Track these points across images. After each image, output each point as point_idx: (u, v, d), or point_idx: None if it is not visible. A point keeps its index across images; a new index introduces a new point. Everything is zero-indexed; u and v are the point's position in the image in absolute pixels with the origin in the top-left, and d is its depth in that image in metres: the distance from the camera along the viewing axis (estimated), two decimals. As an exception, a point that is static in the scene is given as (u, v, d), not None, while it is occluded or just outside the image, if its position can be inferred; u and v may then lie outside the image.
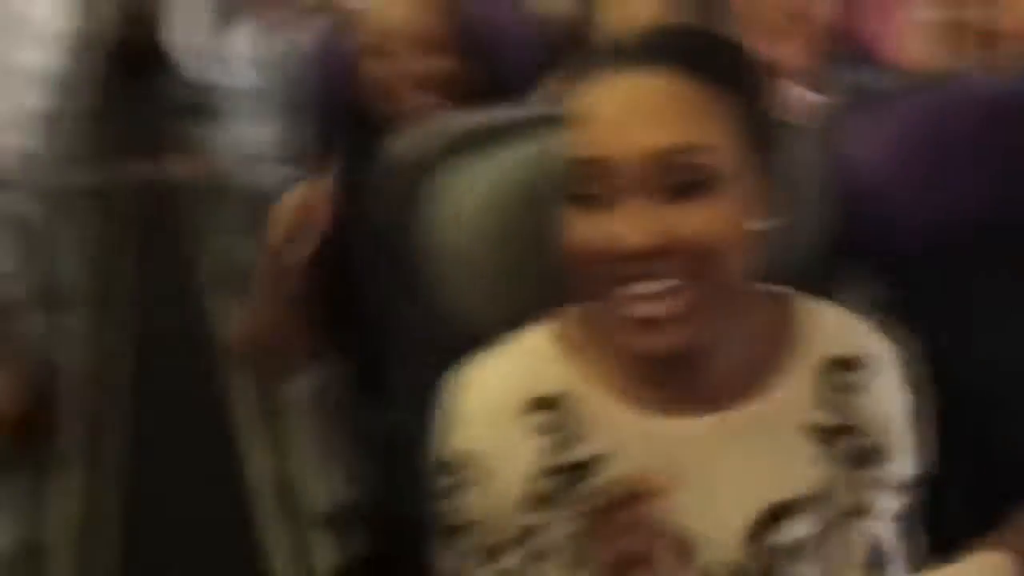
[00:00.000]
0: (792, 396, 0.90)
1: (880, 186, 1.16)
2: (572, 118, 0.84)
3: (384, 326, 1.16)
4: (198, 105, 3.19)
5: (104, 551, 2.16)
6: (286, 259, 1.61)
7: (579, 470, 0.87)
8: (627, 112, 0.81)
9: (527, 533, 0.87)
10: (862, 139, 1.18)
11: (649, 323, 0.81)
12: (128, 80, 5.41)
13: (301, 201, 1.60)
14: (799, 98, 1.43)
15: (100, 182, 4.27)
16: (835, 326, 0.93)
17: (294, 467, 1.75)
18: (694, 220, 0.80)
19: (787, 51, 1.48)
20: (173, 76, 4.06)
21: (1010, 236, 1.13)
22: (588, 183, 0.81)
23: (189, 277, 3.52)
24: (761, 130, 0.85)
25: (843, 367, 0.92)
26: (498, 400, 0.88)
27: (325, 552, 1.54)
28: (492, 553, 0.88)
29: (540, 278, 0.92)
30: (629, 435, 0.87)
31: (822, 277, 1.04)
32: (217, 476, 2.40)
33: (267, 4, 2.50)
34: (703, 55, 0.83)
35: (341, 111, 1.55)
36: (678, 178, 0.79)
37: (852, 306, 1.00)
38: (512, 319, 0.92)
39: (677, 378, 0.87)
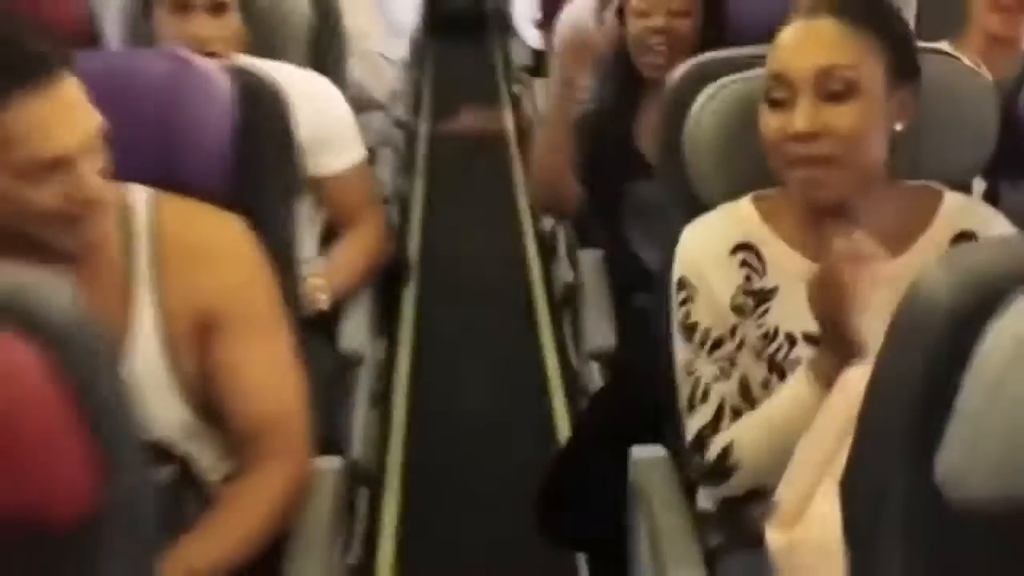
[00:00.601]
0: (927, 257, 1.31)
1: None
2: (772, 49, 1.29)
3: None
4: (531, 66, 3.80)
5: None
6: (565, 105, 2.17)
7: (763, 293, 1.34)
8: (802, 42, 1.25)
9: (733, 331, 1.34)
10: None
11: (811, 182, 1.25)
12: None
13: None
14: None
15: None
16: (966, 210, 1.33)
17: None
18: (842, 115, 1.23)
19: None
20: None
21: None
22: (775, 90, 1.26)
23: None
24: (902, 62, 1.26)
25: (966, 239, 1.31)
26: (716, 241, 1.36)
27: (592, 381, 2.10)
28: (714, 344, 1.35)
29: (758, 165, 1.37)
30: (796, 275, 1.32)
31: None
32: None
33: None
34: (859, 8, 1.26)
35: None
36: (832, 87, 1.23)
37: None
38: (736, 194, 1.39)
39: (832, 235, 1.30)
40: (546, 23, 3.21)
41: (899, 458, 0.78)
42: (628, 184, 1.98)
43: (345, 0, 2.51)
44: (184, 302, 1.32)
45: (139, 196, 1.34)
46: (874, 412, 0.81)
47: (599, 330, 2.04)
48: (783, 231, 1.35)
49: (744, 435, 1.30)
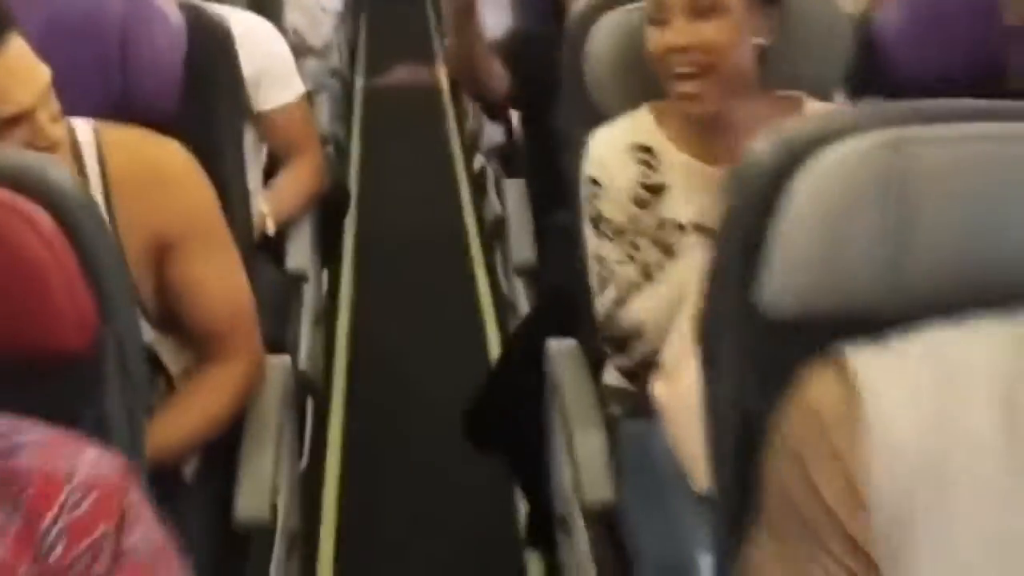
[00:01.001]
0: None
1: (889, 44, 1.76)
2: None
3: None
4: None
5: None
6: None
7: (657, 188, 1.55)
8: None
9: (632, 221, 1.55)
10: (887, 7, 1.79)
11: (688, 96, 1.47)
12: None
13: None
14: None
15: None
16: (824, 113, 1.55)
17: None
18: (710, 30, 1.44)
19: None
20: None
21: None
22: (654, 11, 1.47)
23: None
24: None
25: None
26: (616, 143, 1.56)
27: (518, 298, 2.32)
28: (617, 232, 1.56)
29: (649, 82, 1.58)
30: (684, 173, 1.53)
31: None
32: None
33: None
34: None
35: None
36: (701, 5, 1.43)
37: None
38: (631, 107, 1.60)
39: (714, 139, 1.51)
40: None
41: (732, 290, 1.00)
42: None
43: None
44: (137, 228, 1.42)
45: (84, 128, 1.43)
46: (715, 257, 1.03)
47: (522, 248, 2.25)
48: (673, 135, 1.56)
49: (645, 306, 1.52)
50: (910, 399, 0.79)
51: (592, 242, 1.59)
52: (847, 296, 0.93)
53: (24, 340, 0.97)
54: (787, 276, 0.95)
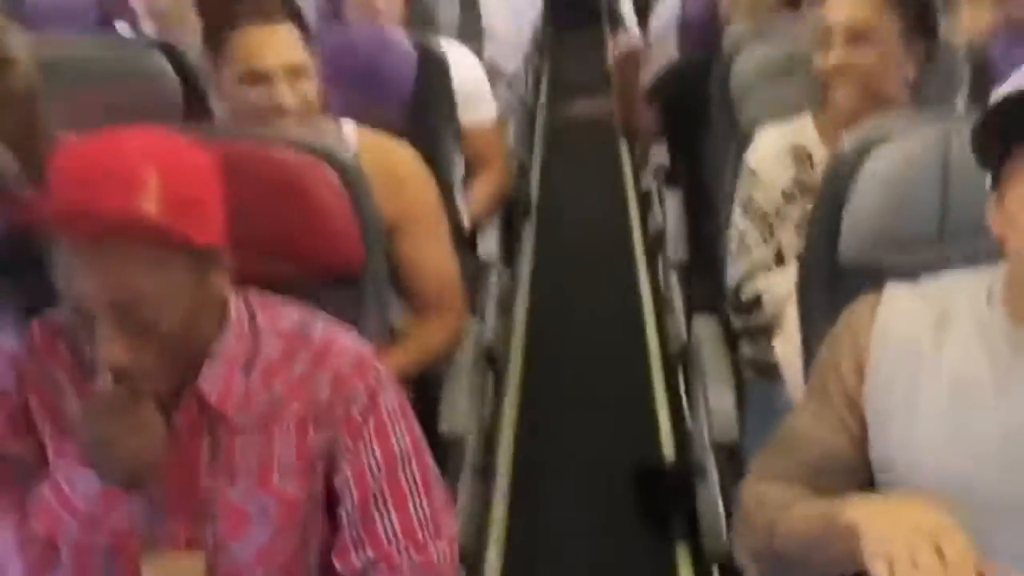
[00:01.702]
0: None
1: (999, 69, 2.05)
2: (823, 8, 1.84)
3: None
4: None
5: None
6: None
7: (808, 185, 1.85)
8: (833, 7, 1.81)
9: (778, 211, 1.88)
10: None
11: (845, 111, 1.79)
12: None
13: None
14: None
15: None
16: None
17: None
18: (864, 55, 1.76)
19: None
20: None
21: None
22: (821, 35, 1.81)
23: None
24: (917, 22, 1.79)
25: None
26: (778, 142, 1.89)
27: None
28: (761, 217, 1.90)
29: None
30: None
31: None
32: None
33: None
34: None
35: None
36: (857, 32, 1.76)
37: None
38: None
39: None
40: (642, 20, 3.79)
41: (822, 242, 1.36)
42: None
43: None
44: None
45: (349, 127, 1.90)
46: (812, 218, 1.39)
47: (677, 250, 2.62)
48: (829, 140, 1.85)
49: (769, 283, 1.85)
50: (907, 317, 1.17)
51: (738, 221, 1.92)
52: (900, 248, 1.28)
53: (316, 259, 1.43)
54: (859, 232, 1.31)
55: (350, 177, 1.45)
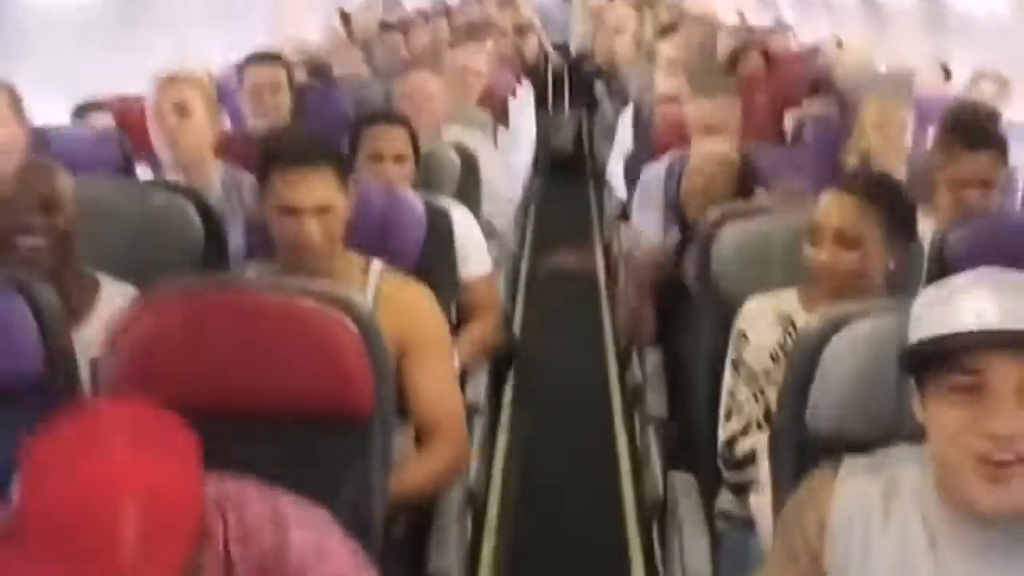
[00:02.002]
0: None
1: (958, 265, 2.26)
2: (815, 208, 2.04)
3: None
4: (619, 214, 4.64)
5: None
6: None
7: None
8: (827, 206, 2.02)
9: (767, 372, 2.03)
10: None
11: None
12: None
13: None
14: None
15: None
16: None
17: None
18: (851, 259, 1.95)
19: None
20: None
21: None
22: (812, 232, 2.00)
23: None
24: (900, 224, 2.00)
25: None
26: (766, 309, 2.05)
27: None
28: (751, 378, 2.05)
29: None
30: None
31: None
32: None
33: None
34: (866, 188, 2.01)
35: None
36: (847, 238, 1.95)
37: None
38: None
39: None
40: (629, 180, 4.04)
41: (791, 414, 1.50)
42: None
43: (480, 154, 3.39)
44: (392, 330, 1.91)
45: (376, 264, 2.12)
46: (781, 391, 1.54)
47: (656, 405, 2.76)
48: (812, 311, 1.96)
49: (761, 439, 1.98)
50: (860, 491, 1.33)
51: (729, 381, 2.08)
52: (860, 419, 1.43)
53: (328, 402, 1.56)
54: (824, 403, 1.46)
55: (365, 326, 1.60)
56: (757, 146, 3.31)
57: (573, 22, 9.96)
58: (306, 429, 1.49)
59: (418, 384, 2.03)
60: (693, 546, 2.01)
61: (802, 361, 1.48)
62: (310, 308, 1.63)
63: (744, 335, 2.07)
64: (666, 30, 7.61)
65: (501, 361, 3.14)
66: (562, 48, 9.76)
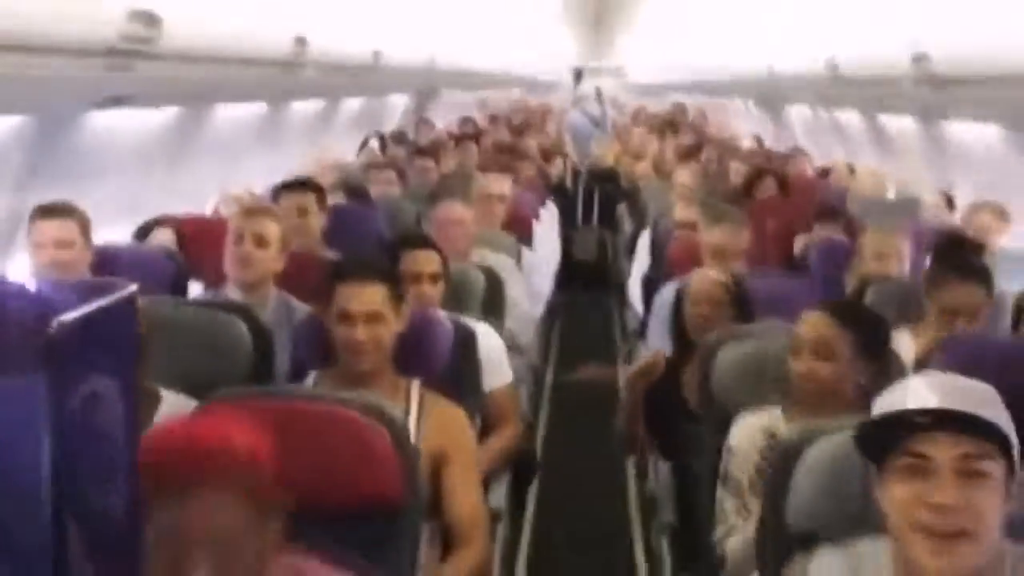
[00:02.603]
0: None
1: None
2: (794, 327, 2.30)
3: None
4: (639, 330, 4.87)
5: None
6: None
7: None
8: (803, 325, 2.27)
9: (751, 483, 2.23)
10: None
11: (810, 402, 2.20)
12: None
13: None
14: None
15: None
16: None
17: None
18: (826, 370, 2.21)
19: None
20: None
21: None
22: (792, 345, 2.25)
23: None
24: (868, 344, 2.24)
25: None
26: (752, 426, 2.27)
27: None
28: (736, 490, 2.24)
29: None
30: None
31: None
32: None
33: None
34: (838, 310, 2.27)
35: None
36: (823, 353, 2.23)
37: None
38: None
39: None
40: (647, 299, 4.29)
41: (771, 510, 1.69)
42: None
43: (504, 273, 3.65)
44: (429, 444, 2.26)
45: (416, 385, 2.41)
46: (764, 493, 1.73)
47: (666, 512, 2.94)
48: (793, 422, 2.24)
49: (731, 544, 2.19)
50: (833, 566, 1.54)
51: (719, 491, 2.29)
52: (833, 517, 1.62)
53: (363, 502, 1.77)
54: (801, 504, 1.66)
55: (398, 434, 1.82)
56: (761, 271, 3.54)
57: (596, 144, 10.40)
58: (346, 520, 1.69)
59: (451, 493, 2.28)
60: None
61: (780, 469, 1.69)
62: (347, 416, 1.86)
63: (731, 450, 2.28)
64: (686, 155, 8.01)
65: (523, 469, 3.33)
66: (590, 167, 10.25)
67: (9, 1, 2.04)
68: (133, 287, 1.09)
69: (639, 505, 4.25)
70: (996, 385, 2.47)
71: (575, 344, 6.81)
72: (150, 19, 2.57)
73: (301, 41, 3.99)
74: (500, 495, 2.95)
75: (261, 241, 3.06)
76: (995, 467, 1.44)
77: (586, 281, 7.82)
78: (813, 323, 2.29)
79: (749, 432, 2.28)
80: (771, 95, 8.68)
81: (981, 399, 1.49)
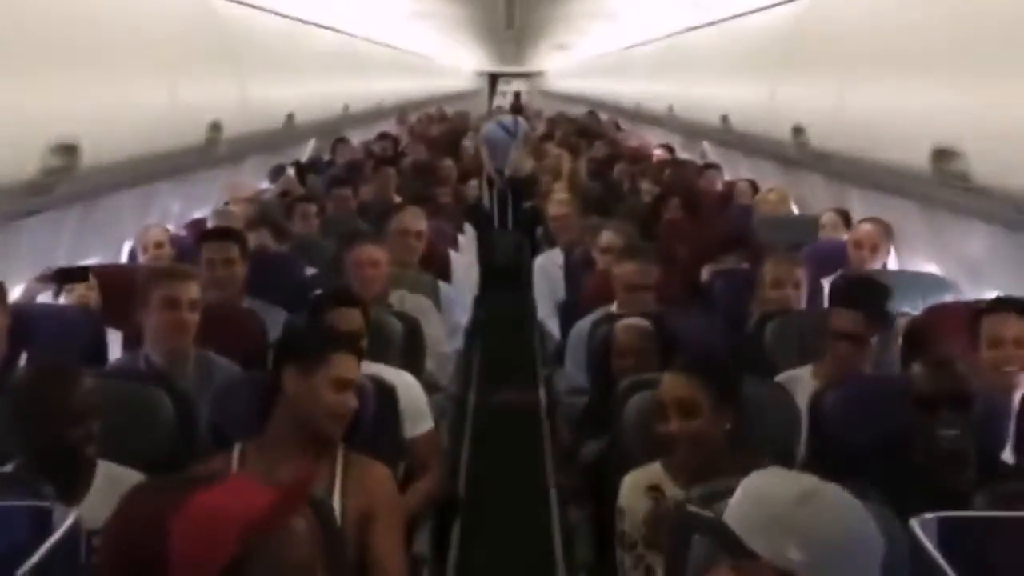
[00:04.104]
0: None
1: (833, 423, 2.61)
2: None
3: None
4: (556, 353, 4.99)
5: None
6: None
7: (663, 515, 2.38)
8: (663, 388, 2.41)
9: (643, 538, 2.36)
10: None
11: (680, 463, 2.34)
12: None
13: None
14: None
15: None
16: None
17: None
18: (692, 426, 2.36)
19: None
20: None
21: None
22: (658, 409, 2.39)
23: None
24: (724, 393, 2.39)
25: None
26: (637, 483, 2.42)
27: None
28: (631, 545, 2.38)
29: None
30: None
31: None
32: None
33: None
34: (697, 366, 2.43)
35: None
36: (684, 410, 2.38)
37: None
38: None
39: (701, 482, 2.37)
40: (564, 326, 4.42)
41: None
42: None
43: (422, 316, 3.75)
44: (356, 503, 2.38)
45: (340, 448, 2.49)
46: (666, 557, 1.86)
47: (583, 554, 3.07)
48: (675, 478, 2.42)
49: None
50: None
51: (617, 552, 2.44)
52: None
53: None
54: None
55: (324, 515, 1.91)
56: (672, 311, 3.68)
57: (515, 154, 10.65)
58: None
59: (377, 558, 2.38)
60: None
61: (678, 537, 1.81)
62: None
63: (620, 510, 2.43)
64: (598, 172, 8.20)
65: (446, 511, 3.43)
66: (505, 177, 10.53)
67: None
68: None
69: (562, 539, 4.37)
70: (876, 426, 2.68)
71: (496, 369, 6.92)
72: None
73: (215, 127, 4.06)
74: (424, 540, 3.04)
75: (192, 305, 3.10)
76: None
77: (505, 281, 8.06)
78: (673, 383, 2.45)
79: (635, 491, 2.44)
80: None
81: None
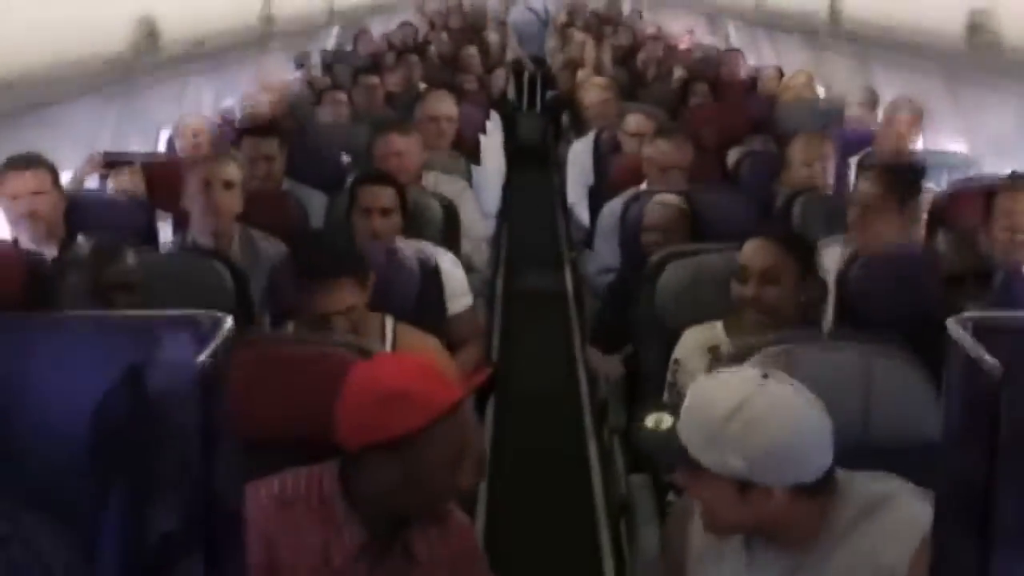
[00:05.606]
0: None
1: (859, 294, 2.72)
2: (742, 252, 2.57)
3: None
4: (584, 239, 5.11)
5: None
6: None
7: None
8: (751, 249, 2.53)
9: None
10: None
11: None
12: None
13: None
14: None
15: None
16: None
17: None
18: (773, 293, 2.48)
19: None
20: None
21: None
22: (740, 272, 2.51)
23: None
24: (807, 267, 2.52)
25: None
26: (697, 340, 2.53)
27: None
28: (681, 399, 2.50)
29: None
30: None
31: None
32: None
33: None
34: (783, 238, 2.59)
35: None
36: (768, 277, 2.48)
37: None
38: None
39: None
40: (593, 210, 4.51)
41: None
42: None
43: (457, 198, 3.85)
44: None
45: (389, 321, 2.60)
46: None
47: (617, 416, 3.23)
48: (735, 339, 2.49)
49: None
50: None
51: (666, 398, 2.53)
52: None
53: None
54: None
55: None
56: (702, 189, 3.77)
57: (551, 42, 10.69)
58: (326, 450, 1.93)
59: None
60: (646, 535, 2.47)
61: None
62: (333, 354, 2.09)
63: (677, 361, 2.53)
64: (622, 59, 8.17)
65: (483, 384, 3.58)
66: (537, 60, 10.54)
67: None
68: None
69: (592, 410, 4.55)
70: (903, 297, 2.78)
71: (523, 253, 7.04)
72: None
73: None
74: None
75: (229, 186, 3.22)
76: None
77: (530, 159, 8.19)
78: (761, 250, 2.51)
79: (694, 345, 2.54)
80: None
81: None
